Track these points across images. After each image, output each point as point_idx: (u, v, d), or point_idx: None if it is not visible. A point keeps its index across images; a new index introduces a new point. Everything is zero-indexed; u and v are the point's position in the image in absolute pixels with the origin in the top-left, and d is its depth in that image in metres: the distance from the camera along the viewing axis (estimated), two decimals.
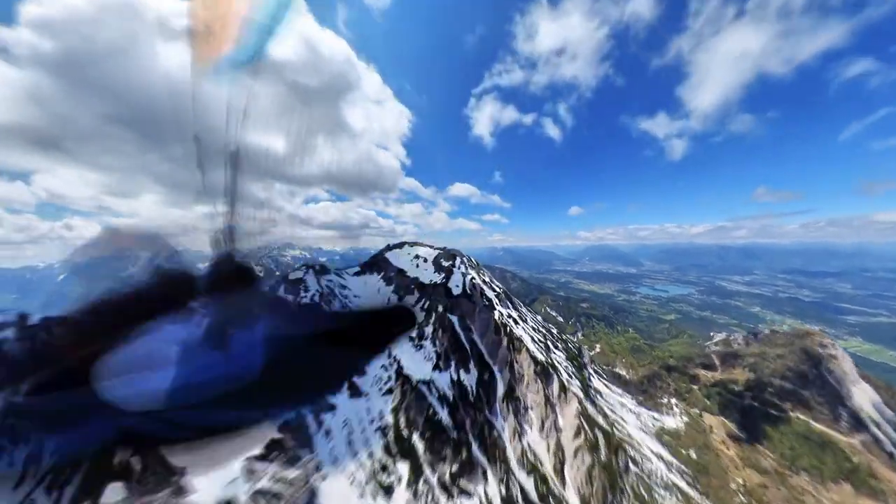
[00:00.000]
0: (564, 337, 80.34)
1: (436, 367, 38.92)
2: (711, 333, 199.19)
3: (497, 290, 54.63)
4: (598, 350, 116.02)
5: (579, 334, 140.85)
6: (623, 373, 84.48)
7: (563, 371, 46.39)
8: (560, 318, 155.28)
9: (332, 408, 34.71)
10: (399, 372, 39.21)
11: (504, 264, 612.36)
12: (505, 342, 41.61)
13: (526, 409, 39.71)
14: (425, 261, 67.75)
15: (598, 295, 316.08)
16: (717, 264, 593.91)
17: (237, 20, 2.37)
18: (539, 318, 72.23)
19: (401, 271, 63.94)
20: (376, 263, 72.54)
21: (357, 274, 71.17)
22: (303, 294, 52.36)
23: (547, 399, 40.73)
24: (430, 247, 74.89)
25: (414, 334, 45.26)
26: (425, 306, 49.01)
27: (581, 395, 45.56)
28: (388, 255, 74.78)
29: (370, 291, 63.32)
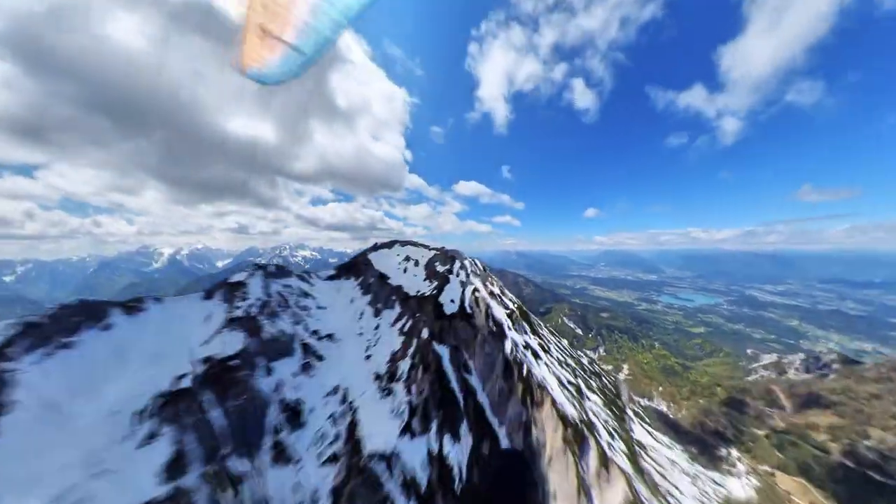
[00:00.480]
0: (595, 364, 64.62)
1: (406, 430, 25.10)
2: (749, 350, 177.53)
3: (510, 306, 40.47)
4: (626, 372, 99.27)
5: (601, 349, 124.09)
6: (665, 408, 68.31)
7: (601, 429, 31.65)
8: (579, 330, 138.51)
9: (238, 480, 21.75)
10: (351, 431, 25.64)
11: (517, 268, 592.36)
12: (519, 390, 27.24)
13: (547, 499, 25.48)
14: (416, 264, 53.96)
15: (618, 303, 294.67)
16: (745, 272, 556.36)
17: (294, 31, 2.46)
18: (565, 343, 57.25)
19: (382, 277, 50.35)
20: (356, 266, 59.15)
21: (331, 278, 57.66)
22: (237, 304, 39.25)
23: (580, 482, 26.24)
24: (426, 247, 61.04)
25: (382, 371, 31.65)
26: (405, 328, 35.45)
27: (629, 467, 30.74)
28: (373, 255, 61.28)
29: (341, 302, 49.70)
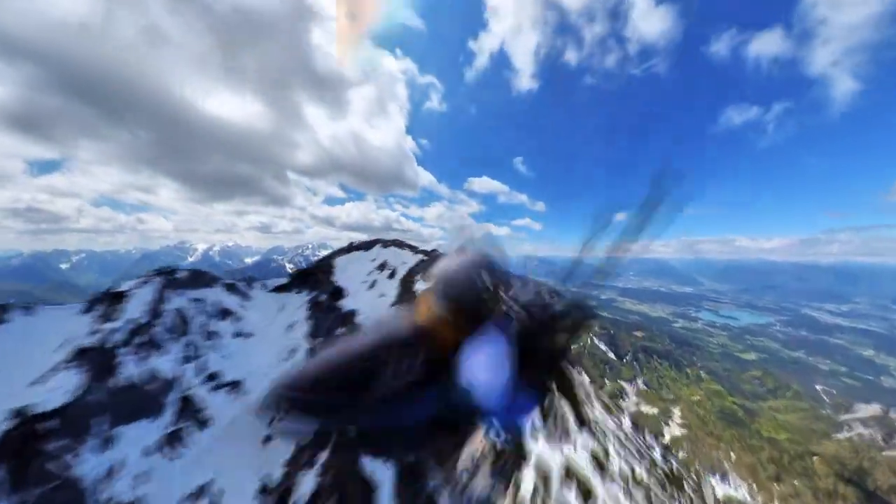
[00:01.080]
0: (669, 458, 45.82)
1: None
2: (819, 387, 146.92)
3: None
4: (679, 421, 78.09)
5: (639, 381, 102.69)
6: (746, 495, 48.14)
7: None
8: (611, 354, 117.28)
9: None
10: None
11: (539, 276, 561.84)
12: None
13: None
14: (391, 275, 38.02)
15: (651, 319, 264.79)
16: (797, 287, 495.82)
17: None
18: (627, 423, 39.41)
19: (336, 294, 34.95)
20: (314, 273, 43.89)
21: (280, 289, 42.64)
22: (104, 326, 25.21)
23: None
24: (413, 248, 44.95)
25: (273, 480, 16.15)
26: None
27: None
28: (342, 259, 45.65)
29: (276, 328, 34.31)
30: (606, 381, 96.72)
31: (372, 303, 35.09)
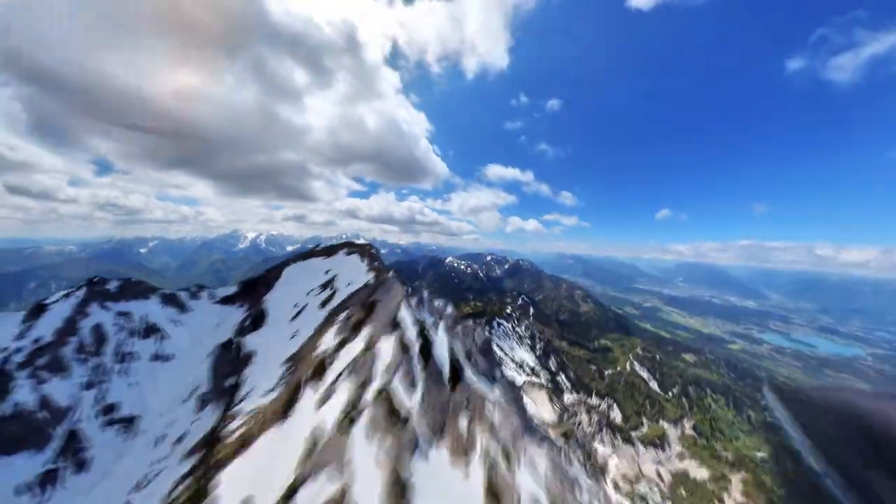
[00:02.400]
0: None
1: None
2: None
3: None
4: (739, 499, 59.47)
5: (686, 423, 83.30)
6: None
7: None
8: (654, 384, 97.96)
9: None
10: None
11: (573, 275, 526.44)
12: None
13: None
14: (327, 300, 27.11)
15: (703, 336, 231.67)
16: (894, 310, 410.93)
17: None
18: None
19: (258, 320, 25.42)
20: (255, 287, 34.37)
21: (226, 300, 34.65)
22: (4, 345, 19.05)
23: None
24: (372, 260, 33.50)
25: None
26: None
27: None
28: (292, 269, 36.22)
29: (201, 350, 26.36)
30: (645, 422, 79.41)
31: (279, 342, 24.61)
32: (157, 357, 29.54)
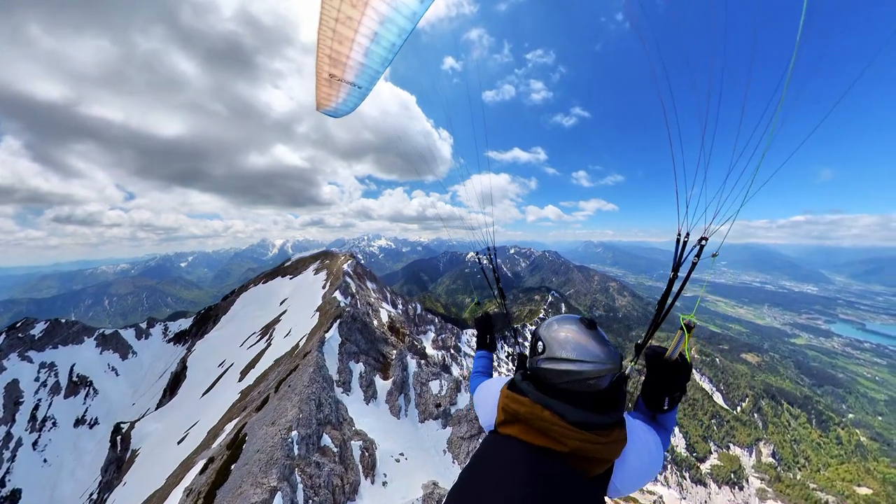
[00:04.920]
0: None
1: None
2: None
3: None
4: None
5: (764, 447, 68.53)
6: None
7: None
8: (719, 398, 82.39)
9: None
10: None
11: (602, 264, 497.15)
12: None
13: None
14: (262, 351, 17.91)
15: (759, 329, 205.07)
16: None
17: (353, 73, 3.13)
18: None
19: (176, 383, 17.16)
20: (208, 320, 26.30)
21: (180, 338, 27.28)
22: None
23: None
24: (337, 277, 24.37)
25: None
26: None
27: None
28: (248, 295, 27.37)
29: (137, 409, 17.83)
30: (713, 449, 65.62)
31: (171, 439, 16.06)
32: (81, 421, 22.29)
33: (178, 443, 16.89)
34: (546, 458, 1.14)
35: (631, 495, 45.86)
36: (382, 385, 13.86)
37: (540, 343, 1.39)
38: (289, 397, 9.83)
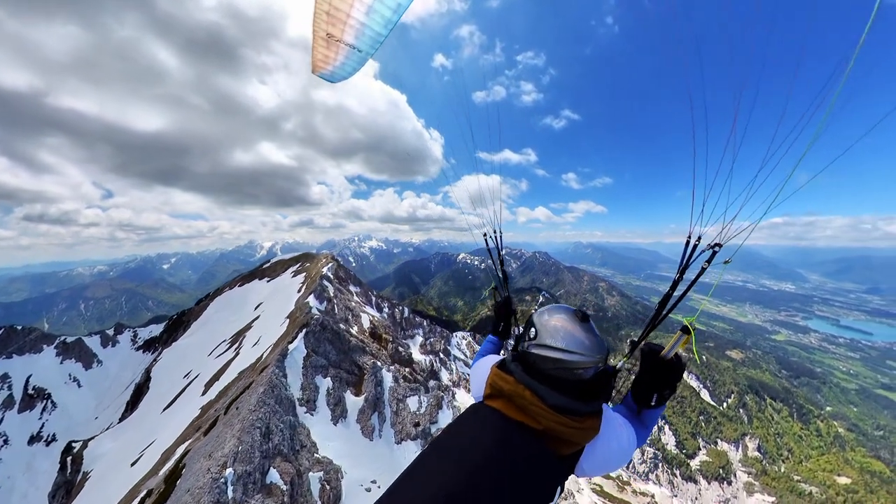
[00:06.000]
0: None
1: None
2: None
3: None
4: None
5: (749, 442, 69.85)
6: None
7: None
8: (706, 394, 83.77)
9: None
10: None
11: (591, 265, 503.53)
12: None
13: None
14: (230, 361, 16.15)
15: (741, 327, 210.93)
16: None
17: (352, 33, 2.84)
18: None
19: (138, 396, 15.65)
20: (180, 325, 24.10)
21: (150, 345, 24.78)
22: None
23: None
24: (313, 280, 22.84)
25: None
26: None
27: None
28: (222, 299, 25.66)
29: (98, 425, 15.64)
30: (702, 445, 66.35)
31: (125, 461, 14.30)
32: (36, 438, 20.16)
33: (132, 465, 15.08)
34: (519, 430, 1.22)
35: (623, 497, 45.55)
36: (354, 402, 12.41)
37: (532, 329, 1.46)
38: (231, 424, 8.37)
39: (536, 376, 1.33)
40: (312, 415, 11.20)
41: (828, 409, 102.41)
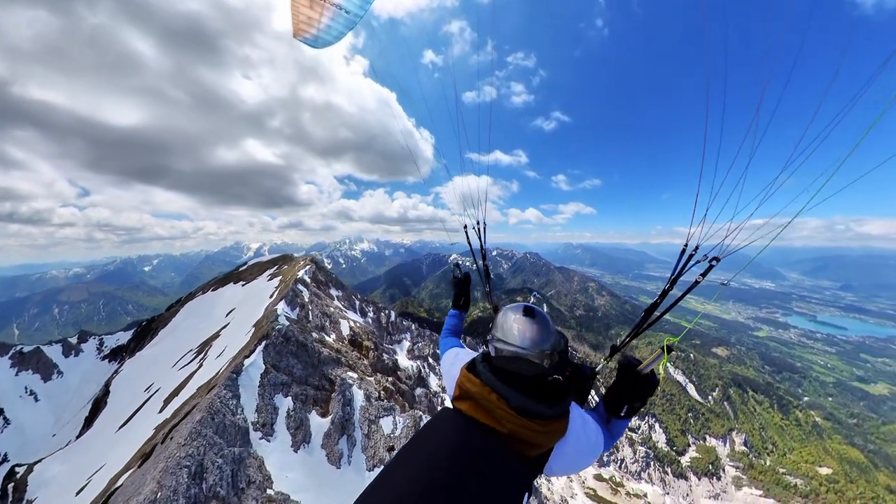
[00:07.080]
0: None
1: None
2: None
3: None
4: None
5: (736, 436, 71.10)
6: None
7: None
8: (692, 390, 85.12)
9: None
10: None
11: (581, 265, 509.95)
12: None
13: None
14: (193, 373, 14.42)
15: (725, 324, 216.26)
16: None
17: (329, 7, 2.67)
18: None
19: (96, 410, 13.96)
20: (149, 332, 22.33)
21: (116, 354, 22.45)
22: None
23: None
24: (289, 284, 21.44)
25: None
26: None
27: None
28: (192, 305, 24.17)
29: (56, 442, 13.52)
30: (691, 441, 67.14)
31: (73, 486, 12.10)
32: None
33: (77, 493, 13.45)
34: (485, 434, 1.22)
35: (616, 500, 45.39)
36: (319, 424, 11.09)
37: (491, 326, 1.57)
38: (157, 461, 7.05)
39: (501, 376, 1.33)
40: (269, 441, 9.85)
41: (805, 399, 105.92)
